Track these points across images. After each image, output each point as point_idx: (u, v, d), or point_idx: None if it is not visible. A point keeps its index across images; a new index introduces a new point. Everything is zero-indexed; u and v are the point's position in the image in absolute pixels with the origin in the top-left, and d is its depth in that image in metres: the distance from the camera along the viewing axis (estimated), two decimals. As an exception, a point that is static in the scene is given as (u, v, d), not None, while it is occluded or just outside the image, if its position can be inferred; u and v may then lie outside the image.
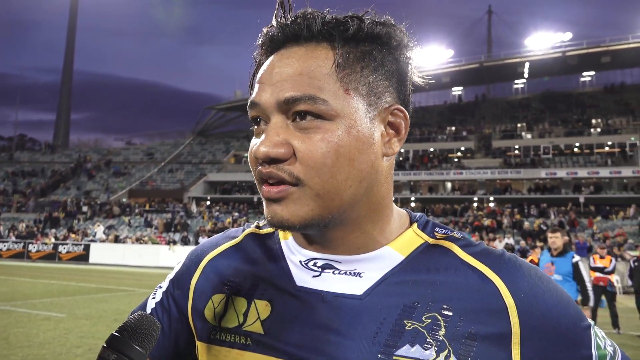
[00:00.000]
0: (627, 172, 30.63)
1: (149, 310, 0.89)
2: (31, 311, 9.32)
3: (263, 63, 0.74)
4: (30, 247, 26.53)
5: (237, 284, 0.80)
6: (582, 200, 29.37)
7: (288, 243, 0.80)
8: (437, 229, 0.78)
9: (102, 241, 27.38)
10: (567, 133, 37.34)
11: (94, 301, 11.22)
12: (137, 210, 33.84)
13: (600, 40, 41.28)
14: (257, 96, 0.71)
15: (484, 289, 0.69)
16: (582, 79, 48.18)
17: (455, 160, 37.29)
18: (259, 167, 0.69)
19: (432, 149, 39.16)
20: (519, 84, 50.30)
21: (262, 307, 0.76)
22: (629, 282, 9.90)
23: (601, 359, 0.71)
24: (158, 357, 0.87)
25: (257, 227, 0.88)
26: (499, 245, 22.63)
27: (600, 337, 0.73)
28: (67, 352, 6.25)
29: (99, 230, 28.04)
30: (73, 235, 28.67)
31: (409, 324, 0.68)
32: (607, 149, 35.09)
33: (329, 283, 0.73)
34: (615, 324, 9.85)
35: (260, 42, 0.76)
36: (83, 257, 25.49)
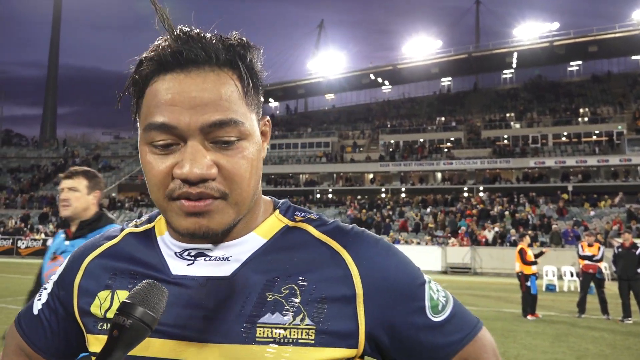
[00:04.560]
0: (614, 160, 30.95)
1: (35, 312, 0.96)
2: (21, 308, 9.26)
3: (155, 81, 0.76)
4: (20, 243, 26.30)
5: (118, 279, 0.87)
6: (570, 188, 29.65)
7: (164, 238, 0.88)
8: (297, 212, 0.90)
9: (92, 236, 27.14)
10: (555, 122, 37.59)
11: (85, 297, 11.16)
12: (127, 205, 33.64)
13: (587, 30, 41.56)
14: (173, 120, 0.74)
15: (332, 261, 0.81)
16: (570, 69, 48.46)
17: (445, 150, 37.43)
18: (185, 188, 0.74)
19: (421, 140, 39.26)
20: (508, 74, 50.48)
21: None
22: (614, 268, 10.04)
23: (433, 308, 0.84)
24: (52, 354, 0.95)
25: (135, 225, 0.95)
26: (488, 234, 22.87)
27: (434, 290, 0.86)
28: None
29: None
30: (62, 231, 28.46)
31: (270, 296, 0.78)
32: (594, 137, 35.41)
33: (201, 269, 0.82)
34: (604, 310, 10.00)
35: (153, 57, 0.77)
36: (73, 253, 25.30)
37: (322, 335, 0.78)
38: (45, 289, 0.97)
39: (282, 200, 0.93)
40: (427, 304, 0.84)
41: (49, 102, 61.03)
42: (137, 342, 0.67)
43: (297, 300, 0.78)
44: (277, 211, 0.89)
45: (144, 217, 0.97)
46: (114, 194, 37.07)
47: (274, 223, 0.86)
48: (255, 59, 0.81)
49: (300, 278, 0.80)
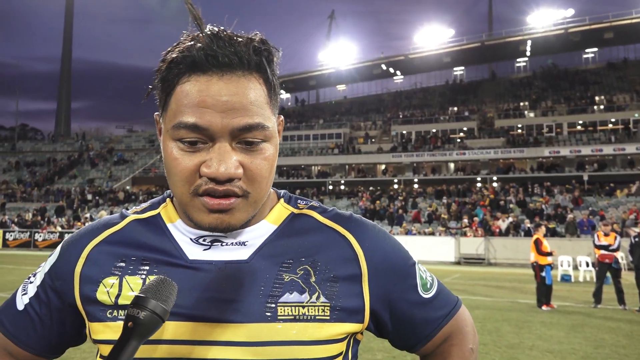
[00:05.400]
0: (631, 148, 30.47)
1: (20, 307, 0.92)
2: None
3: (187, 80, 0.78)
4: (37, 236, 26.72)
5: (127, 266, 0.87)
6: (585, 178, 29.28)
7: (176, 225, 0.90)
8: (299, 201, 0.97)
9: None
10: (570, 111, 37.08)
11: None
12: (141, 198, 33.95)
13: (603, 16, 40.76)
14: (205, 122, 0.77)
15: (340, 243, 0.89)
16: (585, 56, 47.66)
17: (458, 140, 37.14)
18: (211, 185, 0.78)
19: (434, 130, 39.00)
20: (521, 62, 49.82)
21: None
22: (630, 258, 9.91)
23: (423, 285, 0.95)
24: (42, 349, 0.92)
25: (137, 212, 0.95)
26: (502, 224, 22.72)
27: (422, 270, 0.98)
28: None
29: None
30: (79, 224, 28.84)
31: (287, 277, 0.85)
32: (610, 125, 34.88)
33: (219, 253, 0.86)
34: (620, 300, 9.90)
35: (186, 57, 0.78)
36: (89, 245, 25.59)
37: (336, 312, 0.85)
38: (31, 282, 0.94)
39: (282, 191, 0.98)
40: (419, 282, 0.94)
41: (63, 96, 61.64)
42: (151, 333, 0.69)
43: (312, 279, 0.85)
44: (282, 200, 0.95)
45: (145, 204, 0.97)
46: (128, 187, 37.40)
47: (281, 211, 0.93)
48: (277, 62, 0.85)
49: (313, 259, 0.87)
